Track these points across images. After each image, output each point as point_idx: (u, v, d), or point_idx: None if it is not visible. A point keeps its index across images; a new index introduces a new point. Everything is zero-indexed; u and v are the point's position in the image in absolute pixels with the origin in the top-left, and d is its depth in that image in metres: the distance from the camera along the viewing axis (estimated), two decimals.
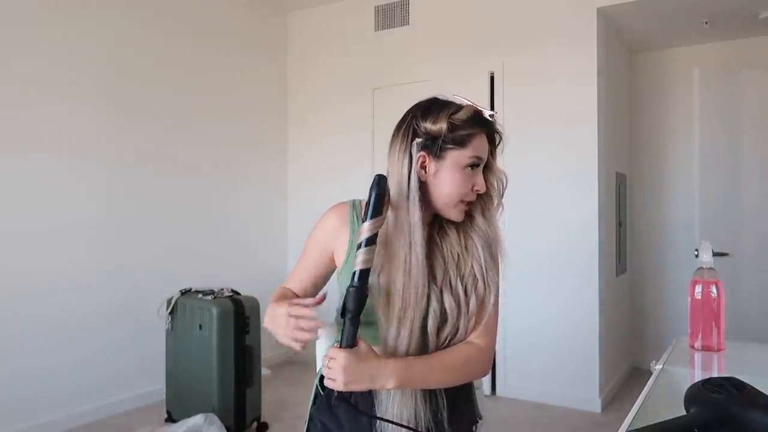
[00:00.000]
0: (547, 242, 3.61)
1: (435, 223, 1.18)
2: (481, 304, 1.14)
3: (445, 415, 1.12)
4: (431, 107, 1.12)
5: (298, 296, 1.23)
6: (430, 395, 1.12)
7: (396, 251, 1.09)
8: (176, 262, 3.74)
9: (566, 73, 3.56)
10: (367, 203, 1.02)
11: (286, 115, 4.72)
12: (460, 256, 1.14)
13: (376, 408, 1.09)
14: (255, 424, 3.10)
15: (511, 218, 3.71)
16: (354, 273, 1.01)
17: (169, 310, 3.13)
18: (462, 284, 1.12)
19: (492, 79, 3.80)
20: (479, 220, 1.16)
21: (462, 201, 1.12)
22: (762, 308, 3.56)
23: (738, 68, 3.77)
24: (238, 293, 3.17)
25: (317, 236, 1.22)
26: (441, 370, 1.10)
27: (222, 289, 3.16)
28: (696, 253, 1.62)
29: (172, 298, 3.15)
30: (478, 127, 1.11)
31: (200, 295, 3.08)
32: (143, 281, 3.52)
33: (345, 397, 1.08)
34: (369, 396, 1.11)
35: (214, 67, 4.08)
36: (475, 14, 3.87)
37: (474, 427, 1.24)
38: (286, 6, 4.60)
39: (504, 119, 3.74)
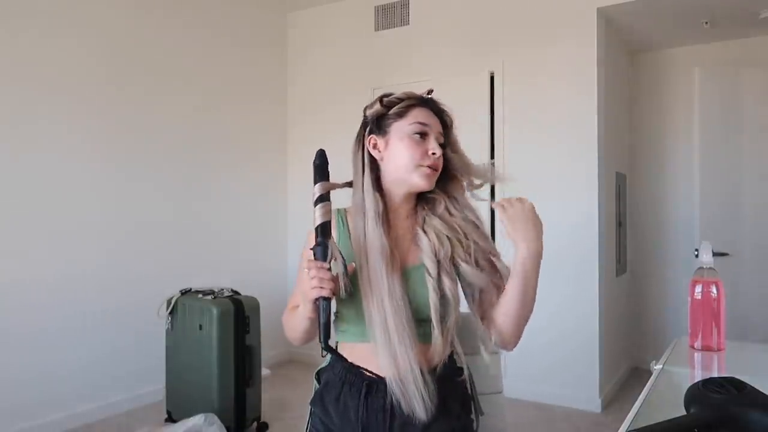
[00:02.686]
0: (547, 242, 3.56)
1: (418, 219, 1.21)
2: (493, 270, 1.17)
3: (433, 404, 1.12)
4: (373, 100, 1.23)
5: None
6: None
7: (356, 234, 1.16)
8: (176, 263, 3.74)
9: (566, 73, 3.56)
10: (314, 174, 1.13)
11: (285, 115, 4.72)
12: (451, 239, 1.16)
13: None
14: (255, 424, 3.11)
15: None
16: (316, 230, 1.09)
17: (169, 310, 3.13)
18: (466, 262, 1.15)
19: (492, 78, 3.80)
20: (461, 200, 1.22)
21: (421, 165, 1.16)
22: (762, 308, 3.56)
23: (738, 68, 3.77)
24: (238, 293, 3.17)
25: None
26: (534, 294, 1.15)
27: (222, 289, 3.16)
28: (696, 253, 1.62)
29: (172, 298, 3.15)
30: (414, 101, 1.20)
31: (200, 295, 3.09)
32: (143, 281, 3.52)
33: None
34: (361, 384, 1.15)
35: (214, 67, 4.08)
36: (475, 14, 3.87)
37: (473, 425, 1.23)
38: (286, 5, 4.60)
39: (504, 119, 3.74)
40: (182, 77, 3.84)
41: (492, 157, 3.76)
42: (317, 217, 1.09)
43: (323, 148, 1.16)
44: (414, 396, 1.06)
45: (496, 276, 1.17)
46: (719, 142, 3.64)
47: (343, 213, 1.26)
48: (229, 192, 4.19)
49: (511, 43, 3.74)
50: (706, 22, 3.71)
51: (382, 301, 1.09)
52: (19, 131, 2.99)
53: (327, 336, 1.06)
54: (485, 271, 1.16)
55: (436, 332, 1.11)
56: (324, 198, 1.10)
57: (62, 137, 3.17)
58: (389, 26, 4.22)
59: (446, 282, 1.13)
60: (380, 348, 1.08)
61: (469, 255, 1.16)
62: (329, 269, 1.07)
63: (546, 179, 3.62)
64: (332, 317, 1.16)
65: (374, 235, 1.13)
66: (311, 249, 1.10)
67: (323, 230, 1.09)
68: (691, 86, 3.73)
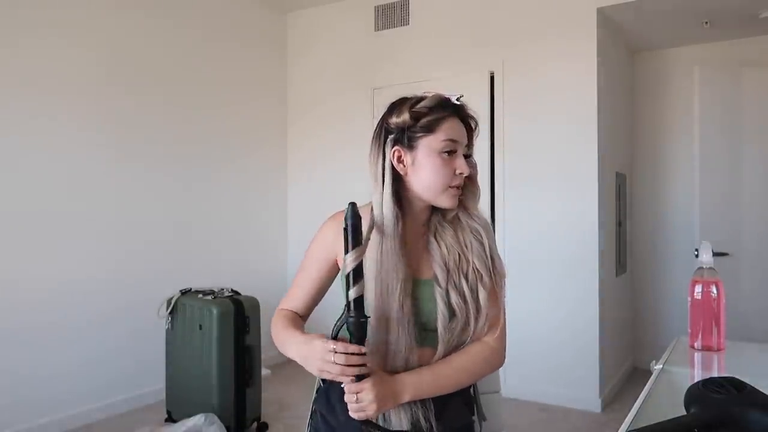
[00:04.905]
0: (547, 242, 3.61)
1: (431, 226, 1.19)
2: (492, 296, 1.15)
3: (432, 415, 1.12)
4: (396, 104, 1.16)
5: (301, 317, 1.27)
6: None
7: (372, 246, 1.11)
8: (176, 263, 3.74)
9: (566, 73, 3.56)
10: (345, 233, 1.04)
11: (285, 116, 4.72)
12: (461, 255, 1.15)
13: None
14: (255, 424, 3.10)
15: (511, 218, 3.72)
16: (349, 303, 1.03)
17: (169, 310, 3.13)
18: (467, 281, 1.13)
19: (492, 78, 3.80)
20: (473, 210, 1.18)
21: (450, 186, 1.13)
22: (762, 308, 3.56)
23: (738, 68, 3.77)
24: (238, 293, 3.17)
25: (318, 248, 1.24)
26: (451, 375, 1.12)
27: (222, 289, 3.16)
28: (696, 253, 1.62)
29: (172, 298, 3.15)
30: (446, 111, 1.13)
31: (200, 295, 3.08)
32: (143, 281, 3.52)
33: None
34: None
35: (214, 67, 4.08)
36: (475, 14, 3.87)
37: (473, 427, 1.23)
38: (286, 5, 4.60)
39: (504, 119, 3.74)
40: (182, 78, 3.84)
41: (492, 157, 3.76)
42: (353, 291, 1.02)
43: (355, 203, 1.06)
44: (394, 416, 1.09)
45: (476, 305, 1.13)
46: (719, 142, 3.64)
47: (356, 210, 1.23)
48: (229, 192, 4.19)
49: (511, 42, 3.74)
50: (706, 22, 3.71)
51: (387, 321, 1.09)
52: (19, 132, 2.99)
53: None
54: (468, 304, 1.13)
55: (440, 344, 1.12)
56: (360, 271, 1.04)
57: (62, 138, 3.17)
58: (389, 26, 4.22)
59: (453, 295, 1.12)
60: (375, 363, 1.09)
61: (466, 278, 1.14)
62: (363, 353, 1.02)
63: (546, 179, 3.62)
64: None
65: (392, 256, 1.10)
66: (345, 323, 1.03)
67: (357, 305, 1.03)
68: (691, 86, 3.73)
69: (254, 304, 3.12)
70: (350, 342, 1.03)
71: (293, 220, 4.69)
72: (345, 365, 1.02)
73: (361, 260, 1.04)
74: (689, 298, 1.42)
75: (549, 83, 3.61)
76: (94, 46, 3.32)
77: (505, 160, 3.73)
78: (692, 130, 3.72)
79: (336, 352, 1.02)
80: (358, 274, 1.03)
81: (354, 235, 1.03)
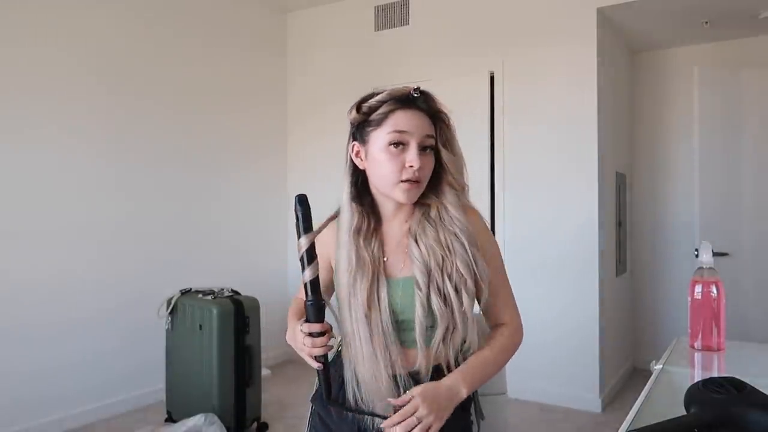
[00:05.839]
0: (547, 242, 3.61)
1: (411, 227, 1.16)
2: (500, 276, 1.18)
3: None
4: (357, 101, 1.17)
5: None
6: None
7: (339, 239, 1.16)
8: (176, 263, 3.74)
9: (566, 73, 3.56)
10: (297, 223, 1.06)
11: (285, 116, 4.72)
12: (444, 257, 1.11)
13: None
14: (255, 424, 3.10)
15: (511, 218, 3.72)
16: (305, 285, 1.05)
17: (169, 310, 3.13)
18: (451, 283, 1.10)
19: (492, 79, 3.80)
20: (453, 211, 1.14)
21: (401, 181, 1.10)
22: (762, 308, 3.56)
23: (738, 68, 3.77)
24: (238, 293, 3.17)
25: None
26: (494, 360, 1.14)
27: (222, 289, 3.16)
28: (696, 253, 1.62)
29: (172, 298, 3.15)
30: (397, 104, 1.11)
31: (200, 295, 3.09)
32: (143, 281, 3.52)
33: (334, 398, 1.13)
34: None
35: (213, 67, 4.08)
36: (475, 14, 3.87)
37: (470, 427, 1.22)
38: (286, 5, 4.60)
39: (504, 119, 3.74)
40: (182, 78, 3.84)
41: (492, 157, 3.76)
42: (307, 274, 1.04)
43: (304, 194, 1.08)
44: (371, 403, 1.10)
45: (461, 310, 1.10)
46: (719, 142, 3.64)
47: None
48: (229, 192, 4.19)
49: (511, 43, 3.74)
50: (706, 22, 3.71)
51: (354, 315, 1.10)
52: (19, 132, 2.99)
53: (329, 389, 1.09)
54: (449, 307, 1.10)
55: (419, 347, 1.11)
56: (312, 254, 1.05)
57: (63, 138, 3.17)
58: (389, 26, 4.22)
59: (434, 299, 1.09)
60: (351, 356, 1.12)
61: (450, 280, 1.10)
62: (321, 333, 1.06)
63: (546, 179, 3.61)
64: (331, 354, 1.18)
65: (343, 251, 1.13)
66: (304, 303, 1.08)
67: (313, 287, 1.05)
68: (691, 86, 3.72)
69: (254, 304, 3.11)
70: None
71: (293, 220, 4.68)
72: (312, 347, 1.05)
73: (313, 243, 1.05)
74: (689, 298, 1.42)
75: (549, 83, 3.61)
76: (93, 49, 3.31)
77: (505, 160, 3.73)
78: (692, 130, 3.72)
79: (303, 333, 1.06)
80: (310, 257, 1.05)
81: (305, 221, 1.06)
